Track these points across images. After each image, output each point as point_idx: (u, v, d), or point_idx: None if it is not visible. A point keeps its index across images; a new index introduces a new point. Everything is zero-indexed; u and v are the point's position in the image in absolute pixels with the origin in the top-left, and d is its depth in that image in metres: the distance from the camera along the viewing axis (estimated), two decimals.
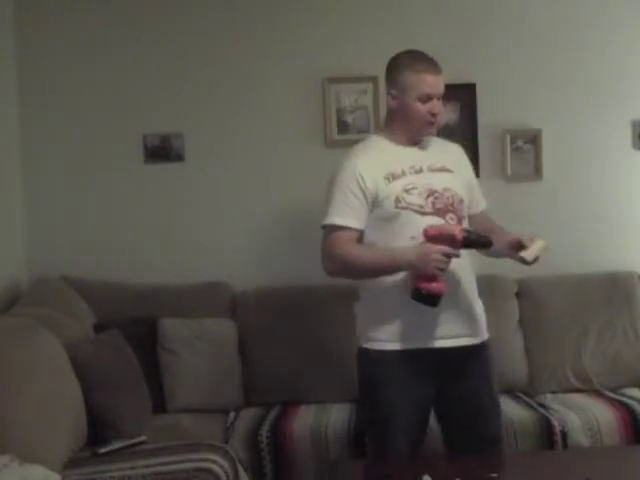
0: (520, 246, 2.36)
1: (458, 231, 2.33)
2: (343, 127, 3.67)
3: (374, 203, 2.43)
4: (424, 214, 2.41)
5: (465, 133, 3.69)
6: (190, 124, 3.68)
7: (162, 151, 3.69)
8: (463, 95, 3.68)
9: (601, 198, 3.74)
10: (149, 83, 3.68)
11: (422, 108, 2.43)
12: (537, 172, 3.73)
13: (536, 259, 2.37)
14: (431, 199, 2.42)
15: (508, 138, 3.70)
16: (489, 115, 3.69)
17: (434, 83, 2.43)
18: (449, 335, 2.43)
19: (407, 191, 2.42)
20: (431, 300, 2.31)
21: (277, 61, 3.68)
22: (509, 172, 3.72)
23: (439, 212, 2.41)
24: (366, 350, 2.49)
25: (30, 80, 3.65)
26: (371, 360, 2.48)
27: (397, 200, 2.41)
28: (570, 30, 3.71)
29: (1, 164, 3.49)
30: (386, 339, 2.44)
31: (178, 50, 3.67)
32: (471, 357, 2.47)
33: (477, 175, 3.58)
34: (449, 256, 2.30)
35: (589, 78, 3.71)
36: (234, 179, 3.70)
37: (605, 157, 3.75)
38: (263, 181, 3.70)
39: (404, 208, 2.41)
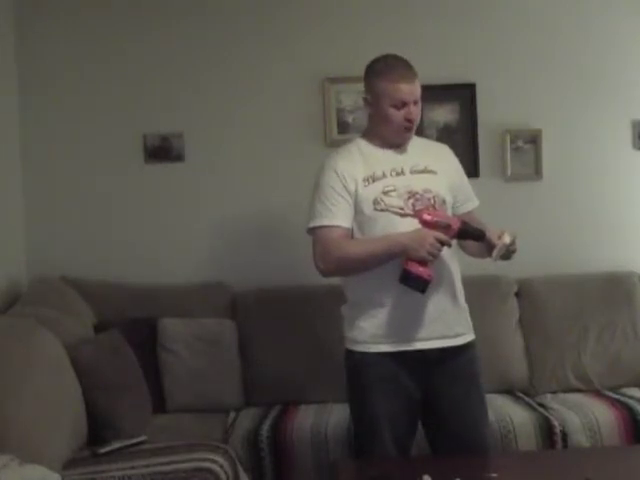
0: (490, 245, 2.36)
1: (454, 221, 2.37)
2: (343, 127, 3.68)
3: (355, 204, 2.45)
4: (404, 216, 2.41)
5: (465, 133, 3.70)
6: (190, 124, 3.69)
7: (162, 151, 3.69)
8: (463, 95, 3.69)
9: (601, 198, 3.74)
10: (149, 83, 3.68)
11: (397, 114, 2.43)
12: (537, 172, 3.73)
13: (508, 254, 2.36)
14: (411, 201, 2.43)
15: (508, 138, 3.71)
16: (489, 115, 3.69)
17: (408, 90, 2.42)
18: (432, 336, 2.43)
19: (386, 193, 2.43)
20: (418, 284, 2.32)
21: (277, 61, 3.68)
22: (509, 172, 3.72)
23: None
24: (350, 352, 2.50)
25: (30, 80, 3.66)
26: (355, 362, 2.49)
27: (375, 202, 2.43)
28: (570, 30, 3.71)
29: (1, 164, 3.49)
30: (369, 341, 2.45)
31: (178, 50, 3.68)
32: (456, 358, 2.47)
33: (477, 175, 3.62)
34: (442, 244, 2.32)
35: (589, 78, 3.72)
36: (234, 179, 3.71)
37: (605, 157, 3.75)
38: (263, 181, 3.70)
39: (383, 210, 2.42)
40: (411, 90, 2.43)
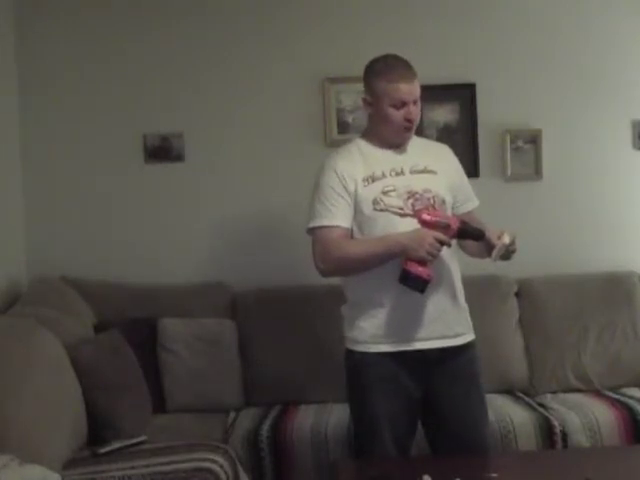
0: (490, 246, 2.36)
1: (453, 221, 2.37)
2: (343, 127, 3.68)
3: (354, 204, 2.45)
4: (403, 216, 2.41)
5: (465, 133, 3.70)
6: (190, 124, 3.69)
7: (162, 151, 3.69)
8: (463, 95, 3.69)
9: (601, 198, 3.74)
10: (149, 83, 3.68)
11: (397, 114, 2.44)
12: (537, 172, 3.73)
13: (508, 254, 2.36)
14: (411, 201, 2.43)
15: (508, 138, 3.71)
16: (489, 115, 3.69)
17: (408, 90, 2.42)
18: (432, 336, 2.43)
19: (385, 193, 2.43)
20: (418, 284, 2.32)
21: (277, 61, 3.68)
22: (509, 172, 3.72)
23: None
24: (351, 352, 2.51)
25: (30, 80, 3.66)
26: (355, 361, 2.49)
27: (375, 202, 2.43)
28: (570, 30, 3.71)
29: (1, 164, 3.49)
30: (369, 341, 2.45)
31: (178, 50, 3.68)
32: (456, 358, 2.47)
33: (477, 175, 3.62)
34: (442, 243, 2.32)
35: (589, 78, 3.72)
36: (234, 179, 3.71)
37: (605, 157, 3.75)
38: (263, 181, 3.70)
39: (382, 210, 2.42)
40: (410, 90, 2.43)
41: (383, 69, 2.45)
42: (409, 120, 2.45)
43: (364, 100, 2.52)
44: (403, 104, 2.43)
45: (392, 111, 2.43)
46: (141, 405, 3.04)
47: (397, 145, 2.52)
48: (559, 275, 3.62)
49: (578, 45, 3.71)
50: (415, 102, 2.45)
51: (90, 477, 2.43)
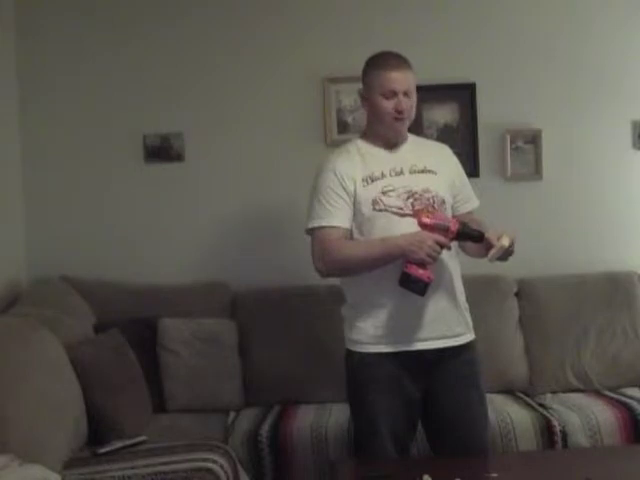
0: (489, 245, 2.36)
1: (453, 223, 2.36)
2: (343, 127, 3.68)
3: (353, 204, 2.45)
4: (403, 216, 2.41)
5: (465, 133, 3.70)
6: (190, 124, 3.69)
7: (162, 151, 3.69)
8: (463, 95, 3.69)
9: (601, 198, 3.74)
10: (149, 83, 3.68)
11: (387, 104, 2.43)
12: (537, 172, 3.73)
13: (506, 255, 2.35)
14: (410, 200, 2.42)
15: (508, 138, 3.70)
16: (489, 115, 3.69)
17: (398, 79, 2.41)
18: (432, 337, 2.43)
19: (385, 193, 2.43)
20: (418, 287, 2.32)
21: (277, 61, 3.68)
22: (509, 172, 3.72)
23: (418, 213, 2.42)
24: (350, 352, 2.51)
25: (30, 80, 3.66)
26: (355, 362, 2.49)
27: (374, 202, 2.42)
28: (570, 30, 3.71)
29: (1, 164, 3.49)
30: (369, 341, 2.45)
31: (178, 50, 3.68)
32: (456, 359, 2.47)
33: (477, 175, 3.61)
34: (441, 246, 2.32)
35: (589, 78, 3.71)
36: (234, 179, 3.71)
37: (605, 157, 3.75)
38: (263, 181, 3.70)
39: (382, 210, 2.42)
40: (400, 79, 2.41)
41: (376, 60, 2.47)
42: (399, 111, 2.43)
43: (360, 95, 2.53)
44: (393, 94, 2.41)
45: (382, 100, 2.42)
46: (141, 405, 3.04)
47: (393, 142, 2.50)
48: (559, 275, 3.62)
49: (578, 45, 3.71)
50: (406, 94, 2.43)
51: (90, 477, 2.43)
